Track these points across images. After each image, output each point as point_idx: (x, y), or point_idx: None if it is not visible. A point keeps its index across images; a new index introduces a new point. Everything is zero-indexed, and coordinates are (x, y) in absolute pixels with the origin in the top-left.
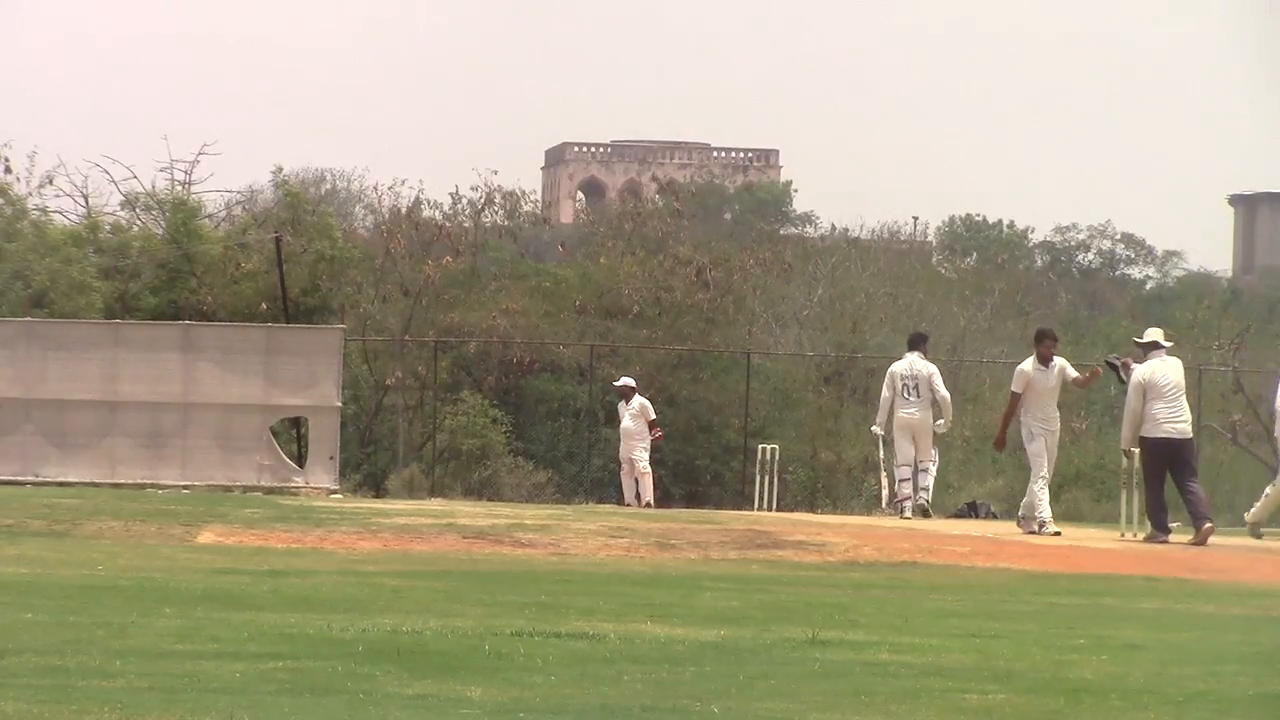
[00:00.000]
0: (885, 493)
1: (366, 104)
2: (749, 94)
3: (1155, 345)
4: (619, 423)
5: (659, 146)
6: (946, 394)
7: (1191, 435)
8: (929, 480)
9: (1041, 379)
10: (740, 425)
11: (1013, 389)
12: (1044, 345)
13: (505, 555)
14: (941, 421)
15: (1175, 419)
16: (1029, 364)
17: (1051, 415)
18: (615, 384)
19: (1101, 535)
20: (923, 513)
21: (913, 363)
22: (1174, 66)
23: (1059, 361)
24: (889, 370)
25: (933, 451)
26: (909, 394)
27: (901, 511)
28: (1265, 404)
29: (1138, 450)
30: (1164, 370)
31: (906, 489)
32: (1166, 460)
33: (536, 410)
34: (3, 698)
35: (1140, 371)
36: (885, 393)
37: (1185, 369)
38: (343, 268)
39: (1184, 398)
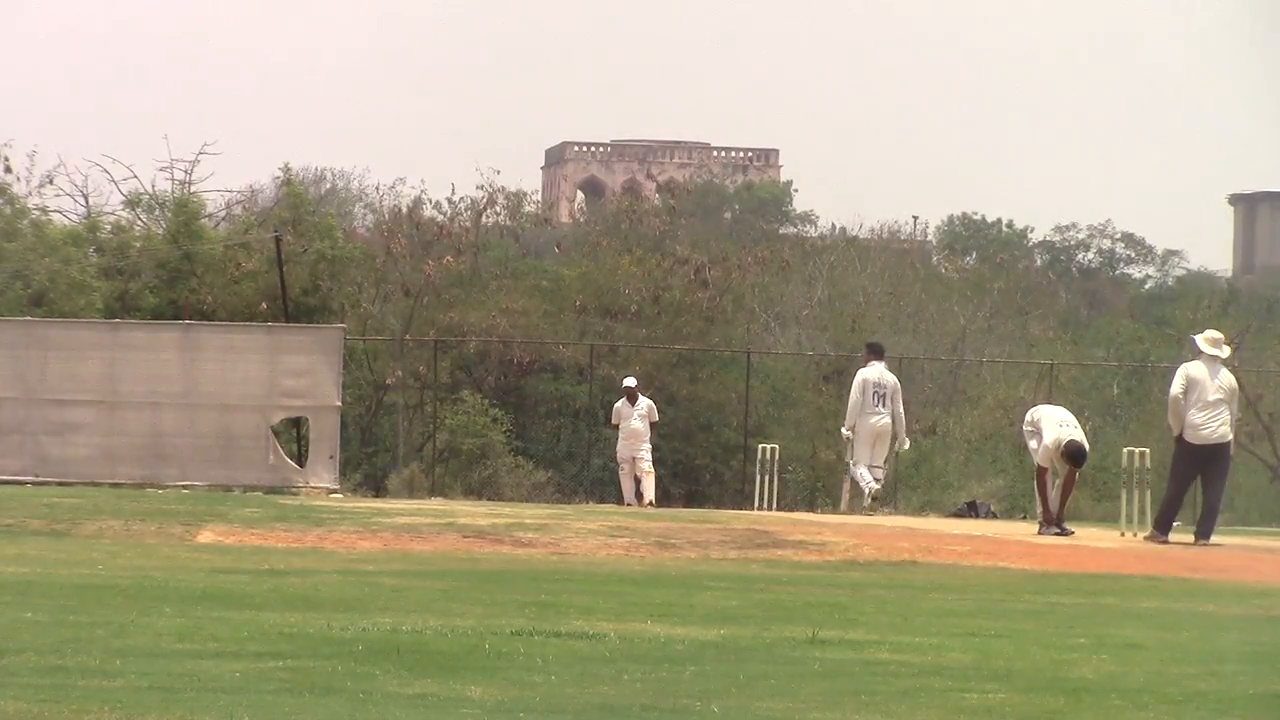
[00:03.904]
0: (847, 497)
1: (366, 103)
2: (749, 94)
3: (1208, 353)
4: (614, 423)
5: (659, 146)
6: (902, 412)
7: (1229, 439)
8: (881, 475)
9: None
10: (740, 424)
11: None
12: None
13: (505, 555)
14: (900, 440)
15: (1212, 424)
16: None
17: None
18: (625, 384)
19: (1102, 534)
20: (872, 499)
21: (882, 372)
22: (1174, 65)
23: None
24: (859, 377)
25: (884, 462)
26: (878, 402)
27: (865, 498)
28: (1266, 404)
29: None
30: (1209, 375)
31: (867, 477)
32: (1199, 465)
33: (536, 410)
34: (3, 697)
35: (1186, 367)
36: (855, 397)
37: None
38: (343, 267)
39: (1225, 404)
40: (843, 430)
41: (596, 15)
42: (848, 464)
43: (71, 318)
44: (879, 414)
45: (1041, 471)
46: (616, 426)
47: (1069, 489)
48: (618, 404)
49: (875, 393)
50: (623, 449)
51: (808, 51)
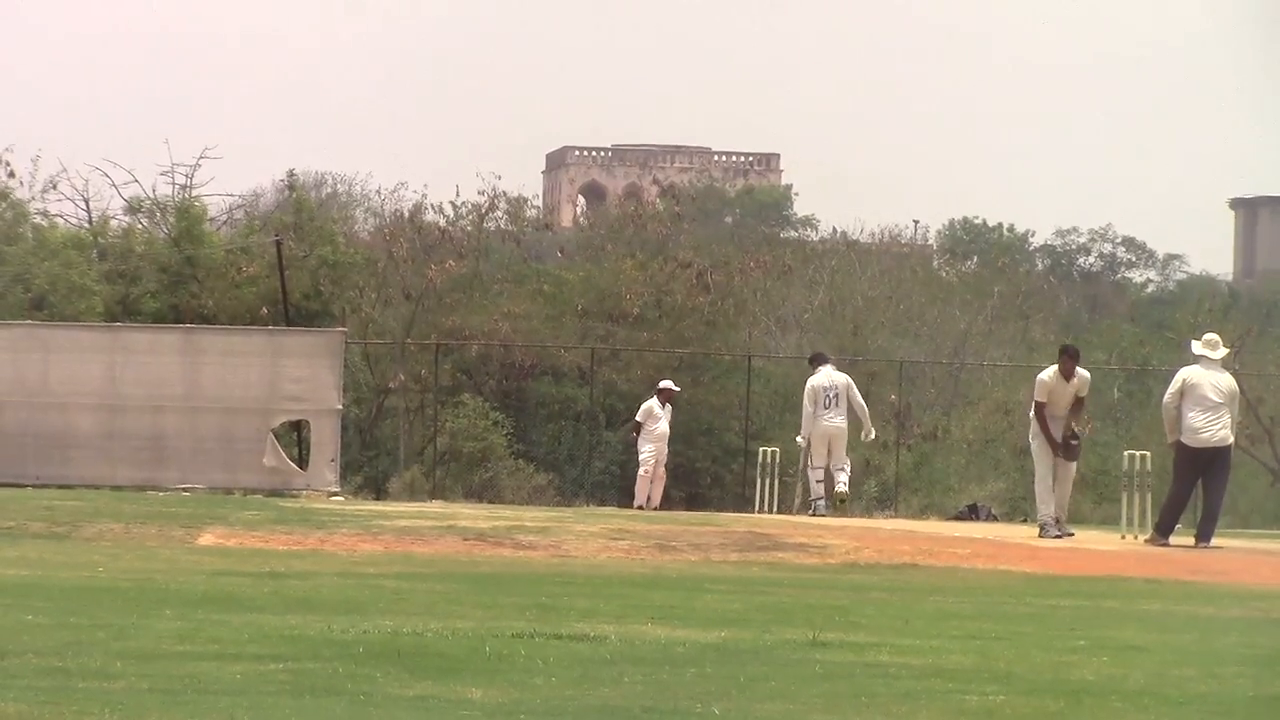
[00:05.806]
0: (800, 499)
1: (367, 108)
2: (750, 97)
3: (1205, 356)
4: (638, 420)
5: (660, 150)
6: (863, 401)
7: (1230, 442)
8: (846, 475)
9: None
10: (741, 428)
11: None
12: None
13: (506, 557)
14: (866, 430)
15: (1211, 427)
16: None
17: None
18: (663, 385)
19: (1103, 537)
20: (840, 500)
21: (830, 375)
22: (1175, 69)
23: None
24: (809, 384)
25: (846, 458)
26: (830, 404)
27: (815, 510)
28: (1267, 407)
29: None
30: (1204, 378)
31: (820, 490)
32: (1200, 468)
33: (537, 413)
34: (4, 699)
35: (1183, 372)
36: (807, 405)
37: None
38: (344, 272)
39: (1224, 407)
40: (797, 438)
41: (597, 19)
42: (803, 468)
43: (73, 321)
44: (831, 417)
45: (1040, 407)
46: (638, 426)
47: (1068, 482)
48: (649, 402)
49: (827, 396)
50: (650, 452)
51: (808, 56)
